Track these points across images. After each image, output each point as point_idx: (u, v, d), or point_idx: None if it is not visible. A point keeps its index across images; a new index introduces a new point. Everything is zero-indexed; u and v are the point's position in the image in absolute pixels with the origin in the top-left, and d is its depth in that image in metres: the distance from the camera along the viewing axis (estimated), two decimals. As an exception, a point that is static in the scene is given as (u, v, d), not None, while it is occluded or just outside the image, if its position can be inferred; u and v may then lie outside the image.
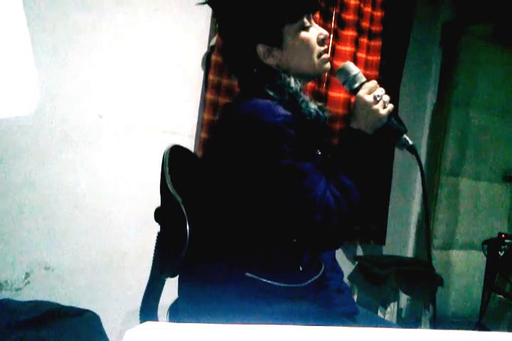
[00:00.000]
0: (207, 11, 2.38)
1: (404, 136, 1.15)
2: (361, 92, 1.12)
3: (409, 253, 3.20)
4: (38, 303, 1.87)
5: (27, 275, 2.04)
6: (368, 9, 2.72)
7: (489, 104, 3.29)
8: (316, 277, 1.13)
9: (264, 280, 1.06)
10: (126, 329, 0.57)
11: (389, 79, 2.79)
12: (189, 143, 2.33)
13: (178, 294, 1.19)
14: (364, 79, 1.15)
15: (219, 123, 1.27)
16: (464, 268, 3.05)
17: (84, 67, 2.12)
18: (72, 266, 2.11)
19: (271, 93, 1.11)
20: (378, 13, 2.76)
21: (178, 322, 1.14)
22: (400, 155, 2.88)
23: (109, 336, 1.90)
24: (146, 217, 2.15)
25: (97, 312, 1.91)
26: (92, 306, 1.94)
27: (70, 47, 2.08)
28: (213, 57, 2.29)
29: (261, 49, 1.13)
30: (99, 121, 2.16)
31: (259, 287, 1.06)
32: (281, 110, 1.06)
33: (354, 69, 1.15)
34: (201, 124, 2.33)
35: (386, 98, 1.12)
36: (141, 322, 1.16)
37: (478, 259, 2.85)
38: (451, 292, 3.04)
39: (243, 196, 1.09)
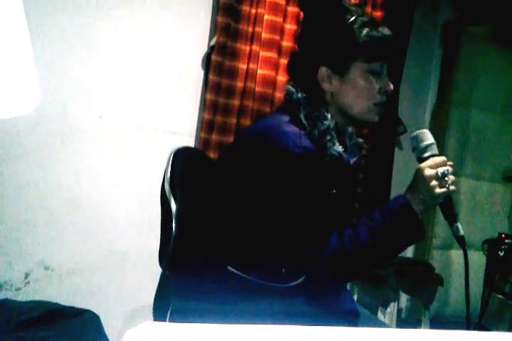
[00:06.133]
0: (207, 11, 2.39)
1: (458, 223, 1.07)
2: (424, 164, 1.07)
3: (409, 253, 3.20)
4: (38, 303, 1.87)
5: (27, 275, 2.03)
6: (368, 9, 2.72)
7: (489, 104, 3.29)
8: (299, 280, 1.11)
9: (246, 276, 1.07)
10: (126, 329, 0.57)
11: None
12: (189, 143, 2.33)
13: (169, 291, 1.20)
14: (436, 151, 1.10)
15: (244, 132, 1.27)
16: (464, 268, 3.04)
17: (84, 67, 2.12)
18: (72, 266, 2.11)
19: (304, 121, 1.08)
20: (378, 13, 2.76)
21: (178, 321, 1.14)
22: (400, 156, 2.88)
23: (109, 336, 1.90)
24: (146, 216, 2.17)
25: (97, 312, 1.92)
26: (92, 306, 1.94)
27: (70, 47, 2.08)
28: (213, 57, 2.29)
29: (323, 71, 1.13)
30: (99, 121, 2.16)
31: (240, 282, 1.07)
32: (305, 142, 1.04)
33: (429, 138, 1.11)
34: (201, 124, 2.32)
35: (451, 178, 1.06)
36: (155, 319, 1.17)
37: (478, 259, 2.85)
38: (451, 292, 3.04)
39: (243, 205, 1.10)
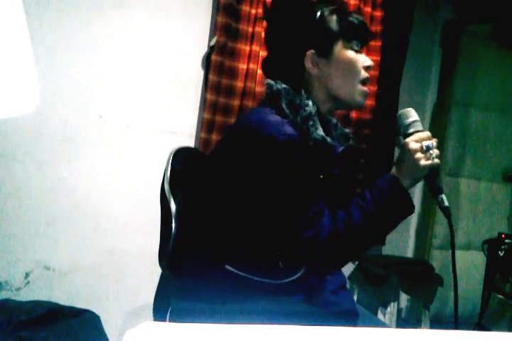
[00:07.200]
0: (207, 11, 2.39)
1: (442, 195, 1.11)
2: (409, 138, 1.11)
3: (409, 253, 3.20)
4: (38, 303, 1.88)
5: (27, 275, 2.04)
6: (368, 9, 2.72)
7: (489, 104, 3.29)
8: (297, 275, 1.13)
9: (243, 274, 1.07)
10: (126, 329, 0.57)
11: (389, 79, 2.78)
12: (189, 143, 2.33)
13: (168, 291, 1.21)
14: (420, 128, 1.14)
15: (231, 128, 1.29)
16: (464, 268, 3.05)
17: (84, 67, 2.12)
18: (72, 266, 2.11)
19: (286, 110, 1.12)
20: (378, 13, 2.76)
21: (178, 321, 1.14)
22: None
23: (109, 336, 1.90)
24: (145, 216, 2.17)
25: (97, 312, 1.92)
26: (92, 306, 1.94)
27: (69, 47, 2.08)
28: (213, 57, 2.29)
29: (310, 56, 1.18)
30: (99, 121, 2.16)
31: (239, 281, 1.07)
32: (288, 129, 1.07)
33: (414, 115, 1.14)
34: (201, 124, 2.33)
35: (435, 152, 1.09)
36: (155, 319, 1.17)
37: (478, 259, 2.85)
38: (451, 292, 3.04)
39: (235, 199, 1.11)
